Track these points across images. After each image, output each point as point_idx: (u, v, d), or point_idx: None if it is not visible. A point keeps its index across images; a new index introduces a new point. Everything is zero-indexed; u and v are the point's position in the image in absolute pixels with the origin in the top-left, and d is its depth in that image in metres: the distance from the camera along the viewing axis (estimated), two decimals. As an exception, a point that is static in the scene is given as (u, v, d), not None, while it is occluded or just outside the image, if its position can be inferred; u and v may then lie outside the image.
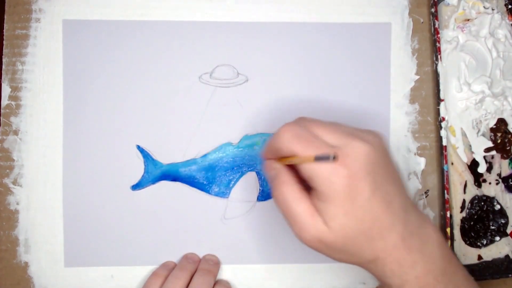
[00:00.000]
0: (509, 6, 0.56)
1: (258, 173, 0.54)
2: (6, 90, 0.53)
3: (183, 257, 0.53)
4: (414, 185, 0.55)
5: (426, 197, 0.55)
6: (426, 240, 0.41)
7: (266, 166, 0.44)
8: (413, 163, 0.55)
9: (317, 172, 0.38)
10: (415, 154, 0.55)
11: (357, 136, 0.39)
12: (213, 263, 0.53)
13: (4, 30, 0.53)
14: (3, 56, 0.53)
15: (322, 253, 0.40)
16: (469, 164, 0.55)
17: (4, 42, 0.53)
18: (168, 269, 0.51)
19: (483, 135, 0.55)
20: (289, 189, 0.40)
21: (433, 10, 0.54)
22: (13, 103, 0.53)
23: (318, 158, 0.37)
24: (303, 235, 0.39)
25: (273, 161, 0.43)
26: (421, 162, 0.55)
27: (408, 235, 0.40)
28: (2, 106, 0.53)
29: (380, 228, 0.39)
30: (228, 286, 0.53)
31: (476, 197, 0.55)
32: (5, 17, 0.53)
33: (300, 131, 0.39)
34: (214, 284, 0.51)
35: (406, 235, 0.39)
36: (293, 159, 0.39)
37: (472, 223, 0.55)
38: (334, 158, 0.36)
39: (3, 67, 0.53)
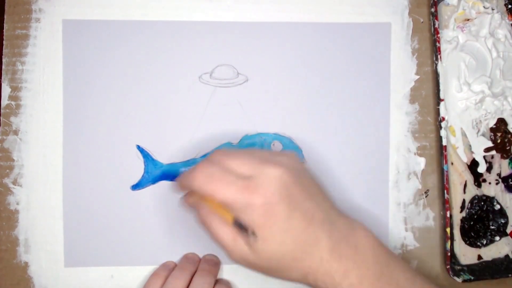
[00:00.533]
0: (509, 6, 0.56)
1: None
2: (6, 90, 0.53)
3: (183, 257, 0.53)
4: (414, 185, 0.55)
5: (426, 197, 0.55)
6: (357, 247, 0.41)
7: (185, 199, 0.47)
8: (413, 163, 0.55)
9: (234, 204, 0.39)
10: (415, 154, 0.55)
11: (269, 161, 0.41)
12: (213, 263, 0.53)
13: (4, 30, 0.53)
14: (3, 56, 0.53)
15: (255, 271, 0.43)
16: (469, 164, 0.55)
17: (4, 42, 0.53)
18: (168, 269, 0.51)
19: (483, 135, 0.55)
20: (210, 217, 0.42)
21: (433, 10, 0.54)
22: (13, 103, 0.53)
23: (237, 224, 0.39)
24: (231, 257, 0.42)
25: (189, 195, 0.46)
26: (421, 162, 0.55)
27: (336, 246, 0.40)
28: (2, 106, 0.53)
29: (303, 246, 0.40)
30: (229, 286, 0.52)
31: (476, 197, 0.55)
32: (5, 17, 0.53)
33: (213, 170, 0.41)
34: (215, 284, 0.51)
35: (333, 246, 0.40)
36: (213, 205, 0.42)
37: (472, 223, 0.55)
38: (253, 233, 0.39)
39: (3, 67, 0.53)
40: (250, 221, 0.39)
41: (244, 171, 0.40)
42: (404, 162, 0.55)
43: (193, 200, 0.45)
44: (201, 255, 0.54)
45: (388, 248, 0.44)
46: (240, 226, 0.39)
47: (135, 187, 0.54)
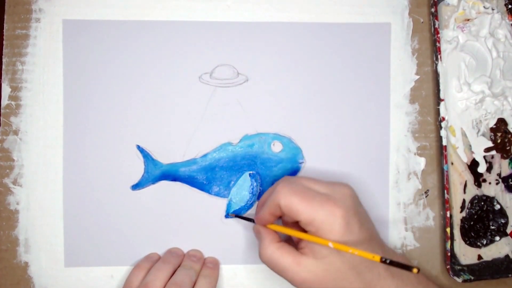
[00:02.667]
0: (509, 6, 0.55)
1: (258, 173, 0.54)
2: (6, 90, 0.53)
3: (167, 251, 0.53)
4: (414, 185, 0.55)
5: (426, 197, 0.55)
6: (402, 274, 0.45)
7: (254, 229, 0.49)
8: (413, 163, 0.55)
9: (318, 217, 0.42)
10: (415, 154, 0.55)
11: (337, 183, 0.46)
12: (197, 259, 0.53)
13: (4, 30, 0.53)
14: (3, 56, 0.53)
15: None
16: (469, 164, 0.55)
17: (4, 42, 0.53)
18: (151, 261, 0.52)
19: (483, 135, 0.55)
20: (271, 249, 0.45)
21: (433, 10, 0.54)
22: (13, 103, 0.53)
23: (389, 262, 0.39)
24: (296, 282, 0.44)
25: (256, 226, 0.48)
26: (421, 162, 0.55)
27: (388, 267, 0.44)
28: (2, 106, 0.53)
29: (367, 261, 0.43)
30: (212, 278, 0.52)
31: (476, 197, 0.55)
32: (5, 17, 0.53)
33: (295, 187, 0.44)
34: (198, 276, 0.51)
35: (386, 267, 0.44)
36: (309, 237, 0.44)
37: (472, 223, 0.54)
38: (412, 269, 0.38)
39: (3, 67, 0.53)
40: (331, 230, 0.42)
41: (319, 189, 0.45)
42: (404, 162, 0.55)
43: (258, 231, 0.48)
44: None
45: None
46: (395, 264, 0.39)
47: (135, 187, 0.54)
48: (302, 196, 0.43)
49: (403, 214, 0.55)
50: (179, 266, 0.51)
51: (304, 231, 0.45)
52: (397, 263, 0.38)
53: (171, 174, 0.54)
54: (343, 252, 0.42)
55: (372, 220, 0.48)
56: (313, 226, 0.43)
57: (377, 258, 0.39)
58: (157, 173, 0.53)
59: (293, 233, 0.45)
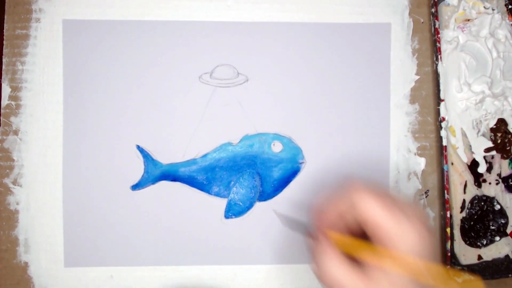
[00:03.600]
0: (509, 6, 0.55)
1: (258, 173, 0.54)
2: (6, 90, 0.53)
3: None
4: (414, 185, 0.55)
5: (426, 197, 0.55)
6: None
7: (311, 238, 0.42)
8: (413, 163, 0.55)
9: (398, 231, 0.36)
10: (415, 154, 0.55)
11: (410, 207, 0.39)
12: None
13: (4, 30, 0.53)
14: (3, 56, 0.53)
15: None
16: (469, 164, 0.55)
17: (4, 42, 0.53)
18: None
19: (483, 135, 0.55)
20: (337, 264, 0.38)
21: (433, 10, 0.54)
22: (13, 103, 0.53)
23: None
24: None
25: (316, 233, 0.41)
26: (421, 162, 0.55)
27: None
28: (2, 106, 0.52)
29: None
30: None
31: (476, 197, 0.54)
32: (5, 17, 0.53)
33: (378, 192, 0.38)
34: None
35: None
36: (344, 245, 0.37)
37: (472, 223, 0.54)
38: None
39: (3, 67, 0.53)
40: (420, 251, 0.36)
41: (397, 198, 0.39)
42: (404, 162, 0.55)
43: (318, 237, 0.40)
44: (200, 255, 0.54)
45: None
46: None
47: (135, 187, 0.53)
48: (387, 204, 0.37)
49: None
50: None
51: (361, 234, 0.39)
52: None
53: (171, 174, 0.53)
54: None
55: None
56: (389, 241, 0.36)
57: (479, 282, 0.37)
58: (157, 173, 0.53)
59: (373, 258, 0.37)
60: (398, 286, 0.36)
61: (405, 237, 0.36)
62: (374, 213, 0.37)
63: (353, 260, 0.38)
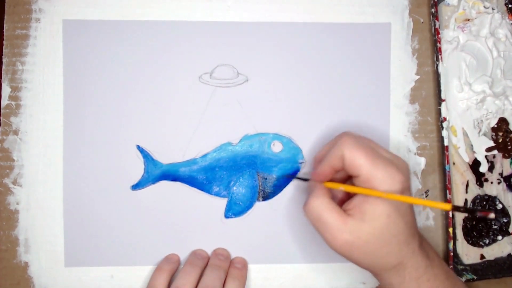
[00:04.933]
0: (509, 6, 0.54)
1: (258, 173, 0.52)
2: (6, 90, 0.51)
3: (192, 253, 0.51)
4: (414, 185, 0.54)
5: (426, 197, 0.54)
6: (429, 248, 0.44)
7: (309, 187, 0.46)
8: (413, 163, 0.54)
9: (378, 175, 0.40)
10: (415, 154, 0.54)
11: (398, 156, 0.44)
12: (224, 258, 0.51)
13: (4, 30, 0.51)
14: (3, 56, 0.51)
15: (351, 257, 0.42)
16: (470, 163, 0.53)
17: (4, 42, 0.51)
18: (171, 263, 0.50)
19: (485, 134, 0.54)
20: (319, 201, 0.42)
21: (433, 10, 0.53)
22: (13, 103, 0.51)
23: (464, 210, 0.40)
24: (336, 241, 0.41)
25: (312, 182, 0.46)
26: (421, 162, 0.54)
27: (421, 243, 0.43)
28: (2, 106, 0.51)
29: (407, 233, 0.41)
30: (241, 279, 0.50)
31: (478, 197, 0.53)
32: (5, 17, 0.51)
33: (361, 141, 0.42)
34: (226, 278, 0.49)
35: (420, 242, 0.43)
36: (378, 193, 0.41)
37: (474, 222, 0.53)
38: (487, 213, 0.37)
39: (3, 67, 0.51)
40: (390, 190, 0.40)
41: (382, 152, 0.43)
42: None
43: (314, 184, 0.45)
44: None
45: None
46: (471, 211, 0.38)
47: (135, 187, 0.52)
48: (367, 152, 0.41)
49: None
50: (205, 267, 0.50)
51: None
52: (472, 209, 0.37)
53: (171, 174, 0.52)
54: (393, 218, 0.40)
55: None
56: (370, 184, 0.40)
57: (449, 206, 0.38)
58: (157, 173, 0.52)
59: (351, 189, 0.43)
60: (372, 225, 0.40)
61: (384, 181, 0.40)
62: (360, 162, 0.41)
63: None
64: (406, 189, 0.41)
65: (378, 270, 0.43)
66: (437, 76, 0.52)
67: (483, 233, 0.53)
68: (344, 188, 0.43)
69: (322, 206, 0.42)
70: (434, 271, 0.43)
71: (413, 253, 0.42)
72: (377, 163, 0.40)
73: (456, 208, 0.38)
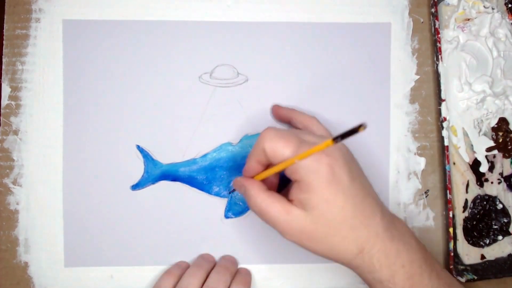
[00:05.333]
0: (509, 5, 0.54)
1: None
2: (6, 90, 0.51)
3: (199, 256, 0.51)
4: (414, 185, 0.53)
5: (426, 197, 0.53)
6: (403, 231, 0.41)
7: (235, 184, 0.45)
8: (413, 163, 0.53)
9: (301, 163, 0.38)
10: (415, 154, 0.53)
11: (329, 136, 0.41)
12: (231, 263, 0.51)
13: (4, 30, 0.51)
14: (3, 56, 0.51)
15: (307, 247, 0.41)
16: (471, 163, 0.53)
17: (4, 42, 0.51)
18: (181, 269, 0.49)
19: (485, 134, 0.53)
20: (260, 197, 0.41)
21: (433, 10, 0.52)
22: (13, 103, 0.51)
23: (338, 138, 0.36)
24: (286, 232, 0.40)
25: (238, 178, 0.44)
26: (421, 162, 0.53)
27: (388, 225, 0.40)
28: (2, 106, 0.51)
29: (361, 217, 0.39)
30: (246, 286, 0.49)
31: (479, 197, 0.53)
32: (5, 17, 0.51)
33: (281, 131, 0.40)
34: (231, 282, 0.48)
35: (387, 225, 0.40)
36: (298, 157, 0.39)
37: (474, 222, 0.53)
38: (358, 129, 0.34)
39: (3, 67, 0.51)
40: (315, 178, 0.38)
41: (308, 138, 0.41)
42: (404, 162, 0.53)
43: (242, 183, 0.43)
44: (201, 254, 0.52)
45: None
46: (344, 135, 0.36)
47: (135, 187, 0.51)
48: (287, 140, 0.39)
49: (403, 214, 0.53)
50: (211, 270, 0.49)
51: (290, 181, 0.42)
52: (346, 133, 0.35)
53: (171, 174, 0.51)
54: (333, 203, 0.38)
55: (371, 185, 0.43)
56: (298, 173, 0.39)
57: (329, 142, 0.36)
58: (157, 173, 0.51)
59: (270, 171, 0.41)
60: (314, 214, 0.39)
61: (309, 167, 0.38)
62: (282, 152, 0.39)
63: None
64: (337, 169, 0.38)
65: (342, 259, 0.40)
66: (437, 76, 0.52)
67: (483, 233, 0.52)
68: (268, 172, 0.42)
69: (264, 201, 0.40)
70: (411, 257, 0.40)
71: (377, 237, 0.39)
72: (299, 150, 0.38)
73: (336, 139, 0.36)
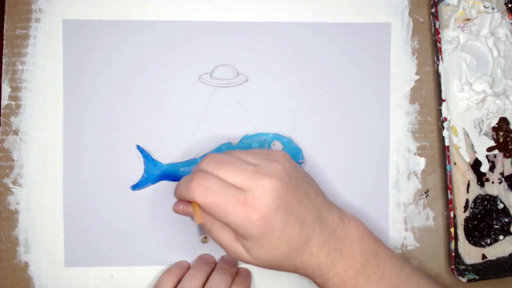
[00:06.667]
0: (509, 5, 0.53)
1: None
2: (6, 90, 0.50)
3: (199, 258, 0.50)
4: (414, 185, 0.52)
5: (426, 197, 0.52)
6: (345, 240, 0.42)
7: (176, 208, 0.44)
8: (413, 163, 0.52)
9: (232, 219, 0.38)
10: (415, 154, 0.52)
11: (262, 171, 0.39)
12: (231, 264, 0.50)
13: (4, 30, 0.50)
14: (3, 56, 0.50)
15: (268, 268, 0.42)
16: (471, 163, 0.52)
17: (4, 42, 0.50)
18: (181, 268, 0.49)
19: (485, 134, 0.52)
20: (213, 225, 0.41)
21: (433, 10, 0.51)
22: (13, 103, 0.50)
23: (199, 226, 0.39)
24: (234, 257, 0.42)
25: (180, 203, 0.43)
26: (421, 162, 0.52)
27: (326, 241, 0.41)
28: (2, 106, 0.50)
29: (296, 248, 0.40)
30: (247, 283, 0.49)
31: (479, 197, 0.52)
32: (5, 17, 0.50)
33: (210, 183, 0.39)
34: (232, 284, 0.48)
35: (323, 242, 0.41)
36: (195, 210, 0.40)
37: (475, 222, 0.52)
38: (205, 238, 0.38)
39: (3, 67, 0.50)
40: (248, 234, 0.38)
41: (238, 181, 0.39)
42: (404, 162, 0.52)
43: (185, 208, 0.43)
44: (200, 254, 0.51)
45: (378, 238, 0.45)
46: (200, 230, 0.39)
47: (135, 187, 0.50)
48: (216, 197, 0.38)
49: (403, 214, 0.52)
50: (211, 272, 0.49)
51: None
52: (199, 228, 0.38)
53: (171, 174, 0.50)
54: (267, 247, 0.39)
55: (315, 191, 0.43)
56: (230, 226, 0.39)
57: (199, 220, 0.38)
58: (157, 173, 0.50)
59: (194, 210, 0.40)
60: (259, 249, 0.39)
61: (240, 229, 0.39)
62: (210, 209, 0.39)
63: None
64: (270, 219, 0.38)
65: (282, 271, 0.43)
66: (437, 76, 0.51)
67: (484, 233, 0.52)
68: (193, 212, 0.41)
69: (215, 229, 0.41)
70: (346, 264, 0.41)
71: (311, 256, 0.40)
72: (228, 206, 0.38)
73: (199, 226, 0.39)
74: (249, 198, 0.38)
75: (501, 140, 0.52)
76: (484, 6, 0.52)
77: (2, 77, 0.50)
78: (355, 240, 0.42)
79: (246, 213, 0.37)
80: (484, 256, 0.51)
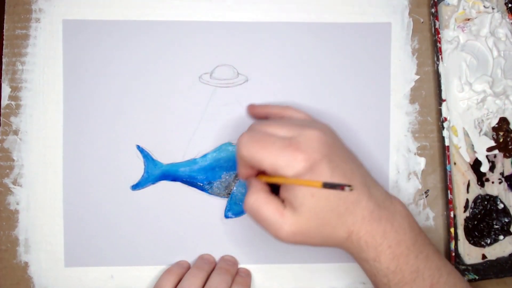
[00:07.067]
0: (509, 5, 0.53)
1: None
2: (6, 90, 0.50)
3: (199, 258, 0.50)
4: (414, 185, 0.52)
5: (426, 197, 0.52)
6: (394, 212, 0.41)
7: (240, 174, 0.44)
8: (413, 163, 0.52)
9: (279, 163, 0.38)
10: (415, 154, 0.52)
11: (306, 125, 0.40)
12: (232, 263, 0.50)
13: (4, 30, 0.50)
14: (3, 56, 0.50)
15: (302, 244, 0.41)
16: (471, 163, 0.52)
17: (4, 42, 0.50)
18: (181, 268, 0.49)
19: (485, 134, 0.52)
20: (255, 197, 0.41)
21: (433, 10, 0.51)
22: (13, 103, 0.50)
23: (326, 185, 0.36)
24: (280, 234, 0.40)
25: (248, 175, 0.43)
26: (421, 162, 0.52)
27: (375, 208, 0.40)
28: (2, 106, 0.50)
29: (346, 204, 0.39)
30: (247, 283, 0.49)
31: (479, 197, 0.52)
32: (5, 17, 0.50)
33: (255, 135, 0.40)
34: (232, 283, 0.48)
35: (373, 208, 0.40)
36: (282, 179, 0.39)
37: (475, 222, 0.52)
38: (343, 187, 0.35)
39: (3, 67, 0.50)
40: (295, 173, 0.38)
41: (284, 133, 0.40)
42: (404, 162, 0.52)
43: (248, 181, 0.43)
44: (200, 254, 0.51)
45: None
46: (332, 186, 0.36)
47: (135, 187, 0.50)
48: (262, 144, 0.39)
49: None
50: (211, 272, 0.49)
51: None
52: (330, 184, 0.35)
53: (171, 174, 0.50)
54: (318, 196, 0.38)
55: (360, 163, 0.43)
56: (278, 173, 0.38)
57: (319, 184, 0.36)
58: (157, 173, 0.50)
59: (267, 179, 0.41)
60: (304, 210, 0.38)
61: (287, 166, 0.38)
62: (258, 157, 0.39)
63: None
64: (316, 163, 0.38)
65: (334, 245, 0.41)
66: (437, 76, 0.51)
67: (484, 233, 0.51)
68: (264, 179, 0.41)
69: (258, 201, 0.40)
70: (398, 237, 0.40)
71: (363, 220, 0.39)
72: (272, 150, 0.38)
73: (325, 185, 0.35)
74: (293, 142, 0.38)
75: (501, 140, 0.52)
76: (484, 6, 0.52)
77: (2, 77, 0.49)
78: (403, 216, 0.42)
79: (292, 153, 0.38)
80: (484, 256, 0.51)
